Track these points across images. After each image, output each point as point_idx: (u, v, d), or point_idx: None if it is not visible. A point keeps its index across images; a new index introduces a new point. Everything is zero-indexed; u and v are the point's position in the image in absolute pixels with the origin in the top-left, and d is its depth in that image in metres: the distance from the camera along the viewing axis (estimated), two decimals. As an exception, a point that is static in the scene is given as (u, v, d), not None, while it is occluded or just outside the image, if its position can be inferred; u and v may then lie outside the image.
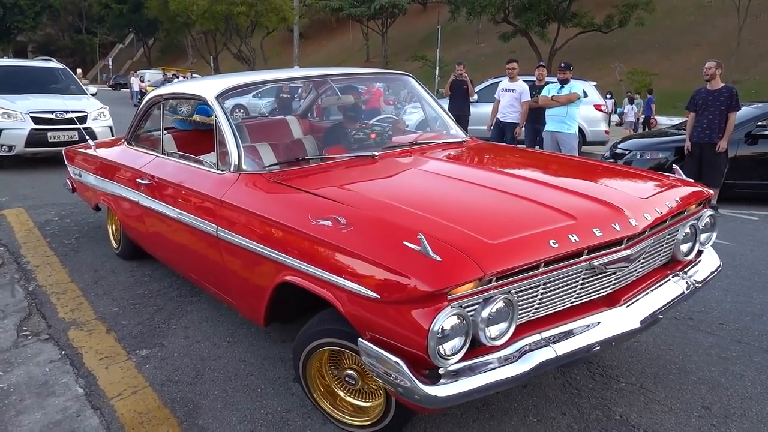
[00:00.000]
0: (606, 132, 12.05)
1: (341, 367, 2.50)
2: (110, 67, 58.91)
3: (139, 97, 29.07)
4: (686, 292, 2.65)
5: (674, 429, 2.55)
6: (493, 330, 2.03)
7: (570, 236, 2.17)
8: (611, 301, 2.41)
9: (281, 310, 2.76)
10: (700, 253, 2.94)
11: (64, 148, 5.65)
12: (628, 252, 2.35)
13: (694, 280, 2.73)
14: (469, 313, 1.97)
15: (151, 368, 3.10)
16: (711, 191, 2.97)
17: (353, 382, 2.44)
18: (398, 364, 1.95)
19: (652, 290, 2.55)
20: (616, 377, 2.96)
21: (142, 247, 4.32)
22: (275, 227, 2.52)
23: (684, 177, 3.02)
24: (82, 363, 3.15)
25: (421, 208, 2.38)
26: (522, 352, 2.09)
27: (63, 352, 3.28)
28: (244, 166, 2.97)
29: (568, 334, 2.21)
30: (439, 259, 1.93)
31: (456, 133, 3.84)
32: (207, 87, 3.41)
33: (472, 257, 1.96)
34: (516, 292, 2.08)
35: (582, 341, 2.20)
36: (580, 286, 2.30)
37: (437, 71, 30.14)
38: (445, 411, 2.63)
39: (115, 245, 4.90)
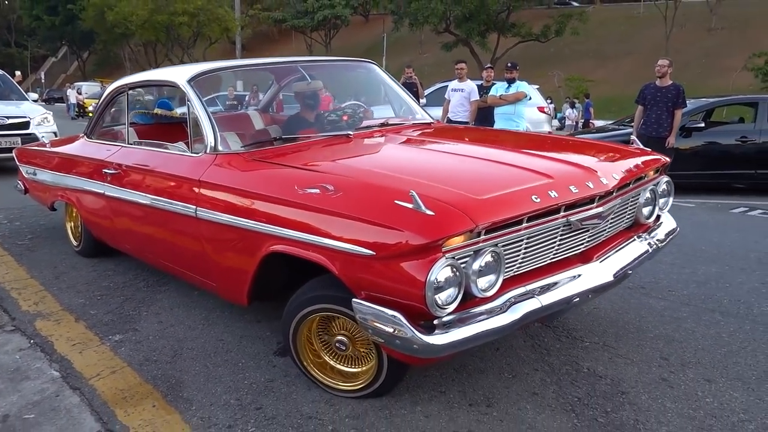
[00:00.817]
0: (549, 133, 12.52)
1: (331, 334, 2.57)
2: (43, 81, 56.63)
3: (76, 109, 28.18)
4: (650, 250, 2.86)
5: (637, 377, 2.74)
6: (483, 282, 2.15)
7: (549, 192, 2.32)
8: (585, 258, 2.59)
9: (263, 287, 2.80)
10: (658, 218, 3.17)
11: (7, 153, 5.47)
12: (600, 209, 2.53)
13: (657, 240, 2.96)
14: (462, 265, 2.08)
15: (127, 350, 3.08)
16: (667, 159, 3.21)
17: (343, 348, 2.52)
18: (396, 317, 2.05)
19: (620, 249, 2.75)
20: (580, 338, 3.14)
21: (107, 242, 4.24)
22: (261, 200, 2.57)
23: (642, 147, 3.25)
24: (54, 349, 3.10)
25: (405, 173, 2.50)
26: (510, 304, 2.22)
27: (32, 341, 3.21)
28: (220, 147, 3.00)
29: (550, 287, 2.36)
30: (432, 213, 2.04)
31: (422, 117, 3.97)
32: (178, 72, 3.44)
33: (463, 210, 2.08)
34: (502, 246, 2.21)
35: (563, 293, 2.36)
36: (558, 243, 2.47)
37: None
38: (429, 368, 2.75)
39: (75, 243, 4.78)
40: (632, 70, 30.02)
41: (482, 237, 2.13)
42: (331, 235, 2.25)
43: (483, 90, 8.68)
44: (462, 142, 3.36)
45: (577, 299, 2.40)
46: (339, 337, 2.52)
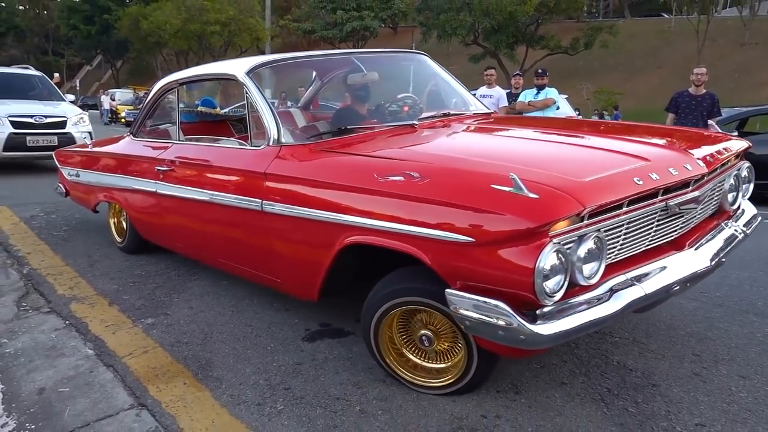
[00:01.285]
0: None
1: (412, 330, 2.51)
2: (78, 88, 58.01)
3: (109, 115, 28.85)
4: (739, 236, 2.82)
5: (668, 371, 2.70)
6: (587, 269, 2.08)
7: (651, 175, 2.25)
8: (677, 245, 2.53)
9: (335, 280, 2.73)
10: (739, 205, 3.11)
11: (44, 152, 5.50)
12: (696, 193, 2.47)
13: (743, 227, 2.92)
14: (567, 251, 2.00)
15: (159, 333, 3.14)
16: (749, 143, 3.15)
17: (428, 344, 2.45)
18: (500, 306, 1.99)
19: (711, 235, 2.70)
20: (609, 333, 3.11)
21: (157, 242, 4.20)
22: (336, 189, 2.51)
23: (720, 131, 3.23)
24: (88, 330, 3.17)
25: (492, 157, 2.45)
26: (612, 292, 2.15)
27: (66, 322, 3.29)
28: (283, 139, 2.94)
29: (649, 275, 2.30)
30: (536, 196, 1.95)
31: (479, 107, 3.86)
32: (235, 65, 3.40)
33: (569, 193, 1.98)
34: (604, 231, 2.15)
35: (664, 280, 2.29)
36: (654, 229, 2.41)
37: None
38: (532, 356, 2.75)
39: (119, 239, 4.74)
40: (662, 83, 29.71)
41: (585, 222, 2.05)
42: (421, 222, 2.16)
43: (512, 97, 8.68)
44: (537, 128, 3.28)
45: (677, 287, 2.34)
46: (423, 332, 2.45)
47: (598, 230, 2.10)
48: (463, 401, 2.43)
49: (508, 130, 3.21)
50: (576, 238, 2.04)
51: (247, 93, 3.16)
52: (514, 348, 2.09)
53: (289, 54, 3.84)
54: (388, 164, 2.45)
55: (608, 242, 2.17)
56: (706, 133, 3.07)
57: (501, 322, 1.99)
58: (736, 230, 2.83)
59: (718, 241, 2.67)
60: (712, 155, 2.66)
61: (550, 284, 1.96)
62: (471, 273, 2.08)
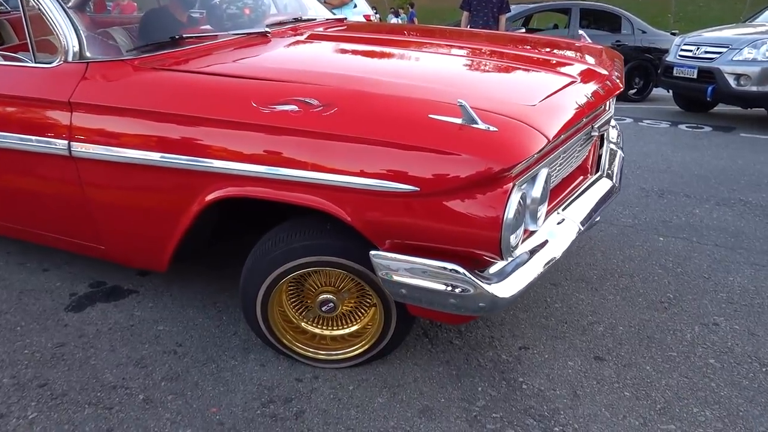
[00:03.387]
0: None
1: (306, 296, 2.02)
2: None
3: None
4: (618, 151, 2.70)
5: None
6: (539, 212, 1.73)
7: (584, 95, 1.95)
8: (583, 171, 2.35)
9: (190, 243, 2.09)
10: None
11: None
12: (611, 112, 2.28)
13: (615, 141, 2.81)
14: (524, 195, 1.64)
15: None
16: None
17: (332, 308, 1.98)
18: (457, 271, 1.60)
19: (601, 157, 2.53)
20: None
21: None
22: (194, 125, 1.82)
23: (590, 42, 3.07)
24: None
25: (406, 77, 1.92)
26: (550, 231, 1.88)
27: None
28: (88, 54, 2.07)
29: (576, 204, 2.10)
30: (495, 129, 1.55)
31: (324, 12, 3.20)
32: None
33: (530, 123, 1.62)
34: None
35: (588, 207, 2.11)
36: (575, 157, 2.18)
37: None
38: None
39: None
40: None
41: (537, 156, 1.65)
42: (335, 168, 1.64)
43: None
44: (422, 40, 2.77)
45: (598, 215, 2.17)
46: (323, 297, 1.96)
47: (548, 165, 1.78)
48: (272, 366, 2.06)
49: (393, 42, 2.67)
50: (530, 177, 1.69)
51: None
52: (461, 315, 1.79)
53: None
54: (266, 88, 1.83)
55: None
56: (596, 47, 2.86)
57: (456, 290, 1.63)
58: (612, 146, 2.70)
59: (611, 161, 2.54)
60: (617, 69, 2.46)
61: (513, 237, 1.61)
62: (408, 230, 1.64)
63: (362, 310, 2.03)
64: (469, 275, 1.61)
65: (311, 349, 2.05)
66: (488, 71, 2.26)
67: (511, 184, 1.56)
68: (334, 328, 2.06)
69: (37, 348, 2.16)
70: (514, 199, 1.55)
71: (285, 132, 1.71)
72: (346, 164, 1.64)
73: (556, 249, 1.86)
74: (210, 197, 1.87)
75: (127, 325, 2.30)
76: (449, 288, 1.64)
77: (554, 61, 2.41)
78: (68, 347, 2.16)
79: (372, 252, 1.71)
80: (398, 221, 1.64)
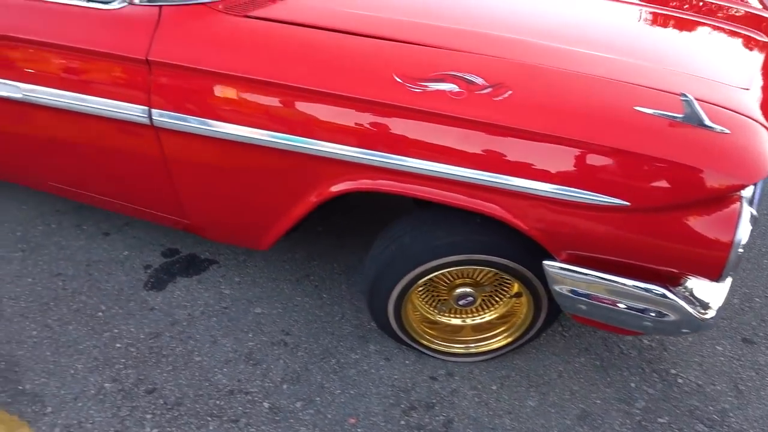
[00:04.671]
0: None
1: (439, 289, 1.78)
2: None
3: None
4: None
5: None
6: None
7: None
8: None
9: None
10: None
11: None
12: None
13: None
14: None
15: None
16: None
17: (470, 301, 1.75)
18: (664, 295, 1.37)
19: None
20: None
21: None
22: (321, 101, 1.46)
23: None
24: None
25: (588, 44, 1.55)
26: None
27: None
28: None
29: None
30: (727, 131, 1.25)
31: None
32: None
33: (759, 120, 1.31)
34: None
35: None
36: None
37: None
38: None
39: None
40: None
41: None
42: (512, 170, 1.34)
43: None
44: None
45: None
46: (461, 291, 1.73)
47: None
48: (398, 360, 1.86)
49: None
50: (751, 190, 1.42)
51: None
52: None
53: None
54: (413, 55, 1.45)
55: None
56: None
57: (654, 314, 1.42)
58: None
59: None
60: None
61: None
62: (602, 244, 1.38)
63: (500, 296, 1.81)
64: (680, 301, 1.38)
65: (445, 343, 1.85)
66: (676, 32, 1.86)
67: (740, 200, 1.30)
68: (473, 316, 1.86)
69: (129, 340, 1.94)
70: (746, 216, 1.29)
71: (442, 120, 1.38)
72: (528, 165, 1.34)
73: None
74: (336, 189, 1.58)
75: (219, 308, 2.08)
76: (650, 312, 1.42)
77: (727, 12, 2.02)
78: (164, 338, 1.95)
79: (548, 263, 1.46)
80: (592, 235, 1.37)
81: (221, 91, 1.60)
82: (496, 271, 1.64)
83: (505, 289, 1.79)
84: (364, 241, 2.36)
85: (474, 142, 1.38)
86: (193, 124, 1.65)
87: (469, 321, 1.86)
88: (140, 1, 1.71)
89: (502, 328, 1.84)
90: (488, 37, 1.56)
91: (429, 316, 1.83)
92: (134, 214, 2.14)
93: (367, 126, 1.46)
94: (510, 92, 1.36)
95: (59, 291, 2.15)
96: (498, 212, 1.41)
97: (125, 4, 1.72)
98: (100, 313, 2.05)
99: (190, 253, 2.35)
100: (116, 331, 1.98)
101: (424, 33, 1.55)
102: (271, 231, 1.80)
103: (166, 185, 1.87)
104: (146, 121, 1.71)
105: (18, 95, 1.90)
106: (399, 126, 1.43)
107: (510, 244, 1.54)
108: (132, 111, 1.72)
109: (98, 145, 1.90)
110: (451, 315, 1.86)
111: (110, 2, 1.74)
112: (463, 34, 1.56)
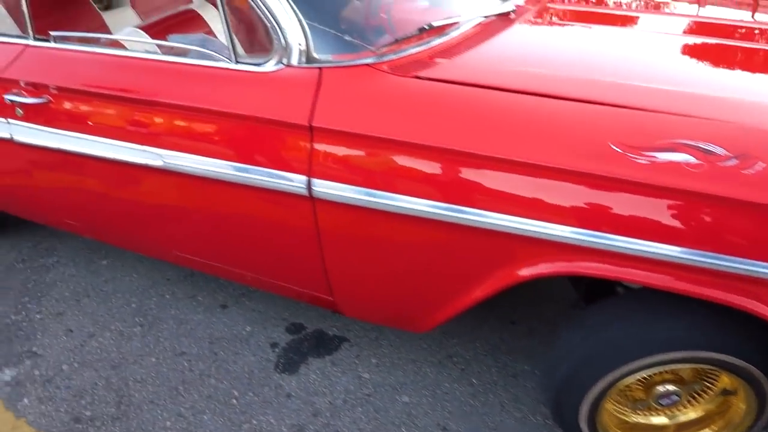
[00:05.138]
0: None
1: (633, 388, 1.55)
2: None
3: None
4: None
5: None
6: None
7: None
8: None
9: None
10: None
11: None
12: None
13: None
14: None
15: (33, 410, 1.90)
16: None
17: (675, 400, 1.53)
18: None
19: None
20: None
21: (25, 214, 2.51)
22: (512, 170, 1.30)
23: None
24: None
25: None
26: None
27: None
28: (316, 54, 1.56)
29: None
30: None
31: None
32: None
33: None
34: None
35: None
36: None
37: None
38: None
39: None
40: None
41: None
42: None
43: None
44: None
45: None
46: (663, 389, 1.51)
47: None
48: None
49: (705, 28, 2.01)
50: None
51: None
52: None
53: None
54: (631, 121, 1.27)
55: None
56: None
57: None
58: None
59: None
60: None
61: None
62: None
63: (706, 391, 1.57)
64: None
65: None
66: None
67: None
68: (675, 413, 1.61)
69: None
70: None
71: (678, 195, 1.19)
72: None
73: None
74: (525, 272, 1.39)
75: (362, 395, 1.89)
76: None
77: None
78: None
79: None
80: None
81: (394, 159, 1.46)
82: (706, 366, 1.42)
83: (709, 383, 1.55)
84: (502, 316, 2.16)
85: (725, 224, 1.18)
86: (358, 195, 1.50)
87: (670, 420, 1.61)
88: (298, 63, 1.60)
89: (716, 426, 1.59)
90: (710, 99, 1.38)
91: (621, 415, 1.60)
92: (264, 287, 2.00)
93: (578, 201, 1.28)
94: (762, 164, 1.17)
95: (186, 373, 1.99)
96: (761, 310, 1.19)
97: (281, 66, 1.61)
98: (234, 400, 1.88)
99: (317, 328, 2.18)
100: (255, 422, 1.80)
101: (634, 94, 1.38)
102: (435, 315, 1.62)
103: (314, 260, 1.71)
104: (303, 191, 1.57)
105: (158, 163, 1.80)
106: (620, 201, 1.24)
107: (752, 341, 1.32)
108: (288, 180, 1.58)
109: (242, 215, 1.77)
110: (650, 413, 1.62)
111: (263, 64, 1.64)
112: (680, 96, 1.38)
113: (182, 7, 2.69)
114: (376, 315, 1.81)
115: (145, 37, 2.16)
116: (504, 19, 1.89)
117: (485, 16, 1.85)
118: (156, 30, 2.25)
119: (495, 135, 1.35)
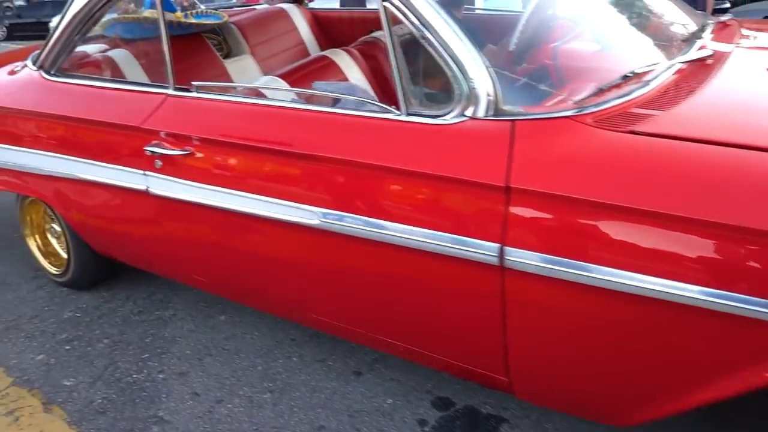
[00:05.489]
0: None
1: None
2: None
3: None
4: None
5: None
6: None
7: None
8: None
9: None
10: None
11: None
12: None
13: None
14: None
15: None
16: None
17: None
18: None
19: None
20: None
21: (158, 270, 2.42)
22: None
23: None
24: None
25: None
26: None
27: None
28: (505, 106, 1.39)
29: None
30: None
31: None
32: None
33: None
34: None
35: None
36: None
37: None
38: None
39: (54, 270, 2.75)
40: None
41: None
42: None
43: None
44: None
45: None
46: None
47: None
48: None
49: None
50: None
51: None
52: None
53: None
54: None
55: None
56: None
57: None
58: None
59: None
60: None
61: None
62: None
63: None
64: None
65: None
66: None
67: None
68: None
69: None
70: None
71: None
72: None
73: None
74: None
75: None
76: None
77: None
78: None
79: None
80: None
81: (614, 227, 1.24)
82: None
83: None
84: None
85: None
86: (564, 267, 1.28)
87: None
88: (484, 115, 1.41)
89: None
90: None
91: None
92: (415, 358, 1.79)
93: None
94: None
95: (330, 452, 1.79)
96: None
97: (464, 118, 1.43)
98: (390, 489, 1.66)
99: (467, 404, 1.94)
100: None
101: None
102: (649, 408, 1.36)
103: (493, 337, 1.49)
104: (494, 260, 1.36)
105: (314, 221, 1.64)
106: None
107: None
108: (476, 248, 1.39)
109: (411, 281, 1.58)
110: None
111: (442, 116, 1.47)
112: None
113: (316, 55, 2.59)
114: (560, 401, 1.56)
115: (286, 86, 2.05)
116: (701, 65, 1.66)
117: (683, 62, 1.62)
118: (294, 78, 2.13)
119: (758, 202, 1.12)
